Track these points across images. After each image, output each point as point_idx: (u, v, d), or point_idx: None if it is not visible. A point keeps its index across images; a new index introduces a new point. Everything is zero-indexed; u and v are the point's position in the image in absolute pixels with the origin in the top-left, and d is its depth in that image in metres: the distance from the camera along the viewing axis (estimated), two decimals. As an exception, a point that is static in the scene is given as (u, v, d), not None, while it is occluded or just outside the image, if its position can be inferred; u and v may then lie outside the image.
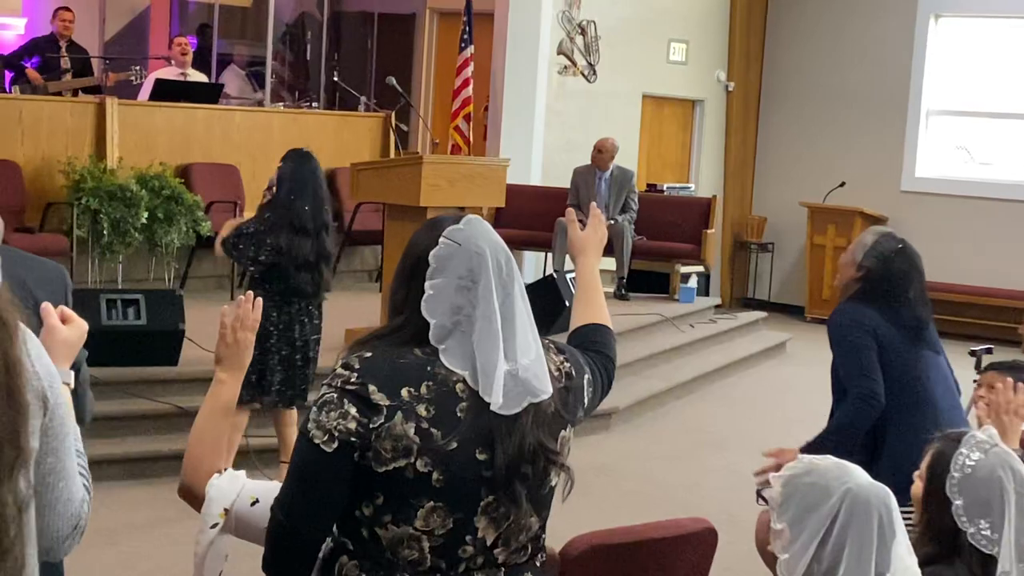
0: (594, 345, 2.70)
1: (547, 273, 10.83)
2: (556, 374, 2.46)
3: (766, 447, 4.48)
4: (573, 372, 2.52)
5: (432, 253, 2.37)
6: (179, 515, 6.21)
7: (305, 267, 6.54)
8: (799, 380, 10.44)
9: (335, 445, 2.29)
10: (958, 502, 2.58)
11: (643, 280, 11.57)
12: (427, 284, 2.36)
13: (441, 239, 2.38)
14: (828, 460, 2.38)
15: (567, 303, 9.09)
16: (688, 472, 7.87)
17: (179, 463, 7.38)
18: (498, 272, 2.36)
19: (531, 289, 9.10)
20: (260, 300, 2.87)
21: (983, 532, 2.56)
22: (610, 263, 11.36)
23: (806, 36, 14.33)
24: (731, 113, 14.44)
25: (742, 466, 7.90)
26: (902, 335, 4.41)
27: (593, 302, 2.82)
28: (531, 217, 11.48)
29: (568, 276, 9.45)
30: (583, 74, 12.74)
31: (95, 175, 9.33)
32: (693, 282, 11.77)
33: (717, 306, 12.20)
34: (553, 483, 2.46)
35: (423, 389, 2.31)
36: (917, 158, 13.83)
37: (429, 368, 2.33)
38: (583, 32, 12.66)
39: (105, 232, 9.18)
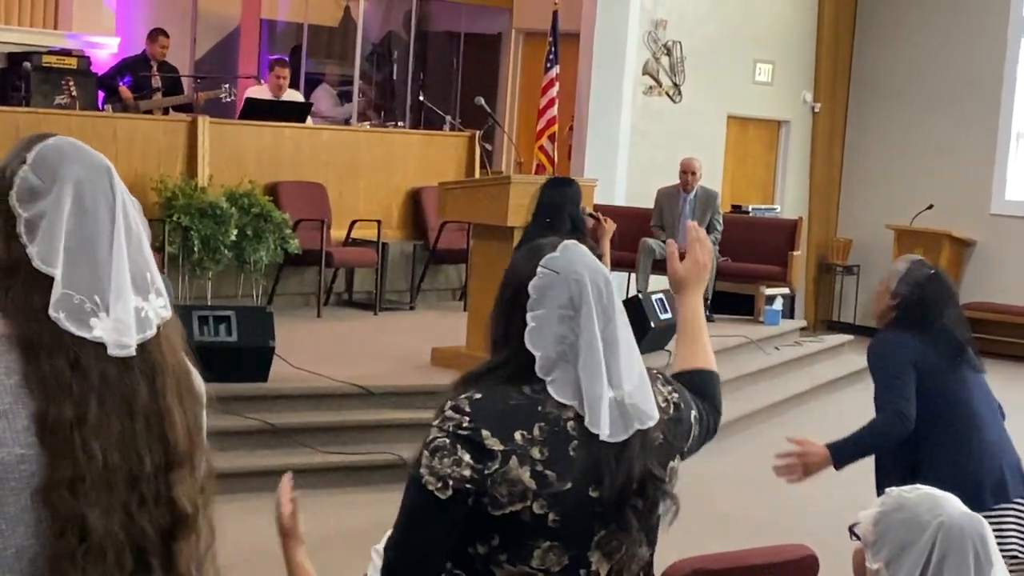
0: (702, 394, 2.64)
1: (631, 294, 10.80)
2: (663, 404, 2.43)
3: (790, 435, 4.58)
4: (681, 404, 2.50)
5: (532, 284, 2.33)
6: (269, 530, 6.26)
7: None
8: (886, 404, 10.30)
9: (449, 492, 2.26)
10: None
11: (728, 302, 11.51)
12: (529, 316, 2.32)
13: (539, 268, 2.34)
14: (917, 492, 2.34)
15: (652, 324, 9.07)
16: (776, 497, 7.80)
17: (268, 479, 7.45)
18: (599, 298, 2.32)
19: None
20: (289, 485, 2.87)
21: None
22: (695, 284, 11.29)
23: (893, 57, 14.20)
24: (817, 134, 14.33)
25: (830, 492, 7.82)
26: (942, 359, 4.47)
27: (698, 342, 2.74)
28: (615, 238, 11.44)
29: (653, 297, 9.43)
30: (668, 94, 12.71)
31: (186, 192, 9.47)
32: (778, 304, 11.69)
33: (802, 329, 12.10)
34: (662, 512, 2.43)
35: (536, 431, 2.28)
36: (1007, 181, 13.64)
37: (540, 408, 2.30)
38: (669, 52, 12.64)
39: (196, 249, 9.31)
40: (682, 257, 2.84)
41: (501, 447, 2.27)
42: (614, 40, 12.18)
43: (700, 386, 2.65)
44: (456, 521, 2.29)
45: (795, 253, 11.71)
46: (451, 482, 2.26)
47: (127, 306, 1.86)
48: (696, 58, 12.81)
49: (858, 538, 2.35)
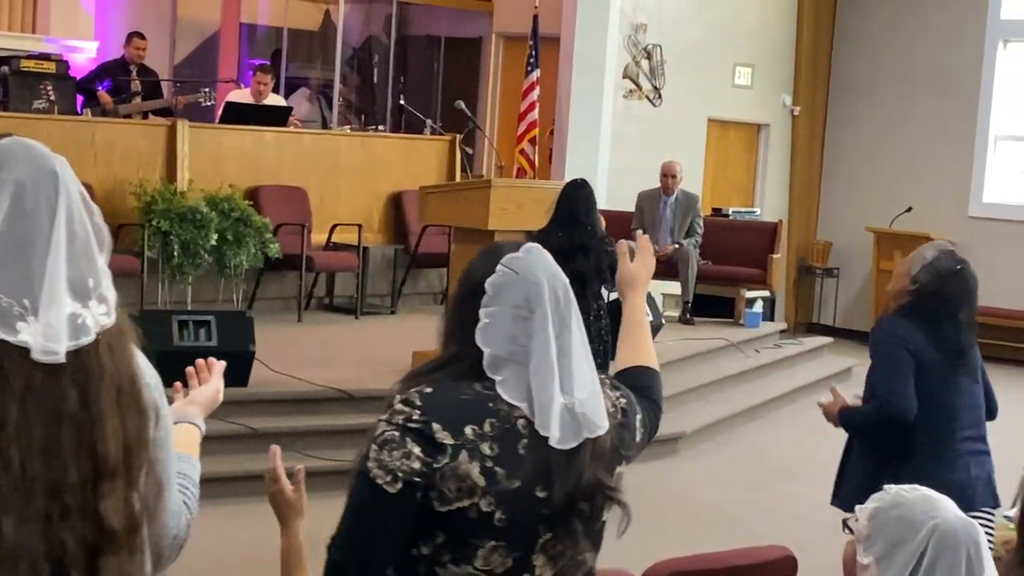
0: (645, 391, 2.64)
1: (613, 297, 10.82)
2: (612, 410, 2.42)
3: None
4: (628, 410, 2.49)
5: (489, 280, 2.33)
6: (252, 536, 6.26)
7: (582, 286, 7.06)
8: (866, 406, 10.34)
9: (399, 486, 2.23)
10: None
11: (708, 304, 11.54)
12: (482, 312, 2.31)
13: (499, 267, 2.33)
14: (915, 492, 2.35)
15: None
16: (756, 498, 7.83)
17: (250, 484, 7.44)
18: (555, 303, 2.31)
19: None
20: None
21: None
22: (675, 287, 11.34)
23: (872, 60, 14.25)
24: (797, 137, 14.38)
25: (810, 493, 7.85)
26: (941, 358, 4.39)
27: (640, 340, 2.75)
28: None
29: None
30: (648, 98, 12.74)
31: (166, 197, 9.45)
32: (758, 307, 11.72)
33: (782, 331, 12.14)
34: (605, 518, 2.41)
35: (487, 426, 2.26)
36: (985, 183, 13.70)
37: (492, 404, 2.29)
38: (649, 56, 12.67)
39: (175, 254, 9.28)
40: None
41: (452, 441, 2.24)
42: (594, 44, 12.20)
43: (642, 383, 2.65)
44: (405, 517, 2.26)
45: (775, 256, 11.75)
46: (401, 475, 2.23)
47: (60, 311, 1.81)
48: (676, 61, 12.84)
49: (851, 532, 2.36)
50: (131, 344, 1.93)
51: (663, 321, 9.85)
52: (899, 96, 14.06)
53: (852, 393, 4.63)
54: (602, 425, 2.32)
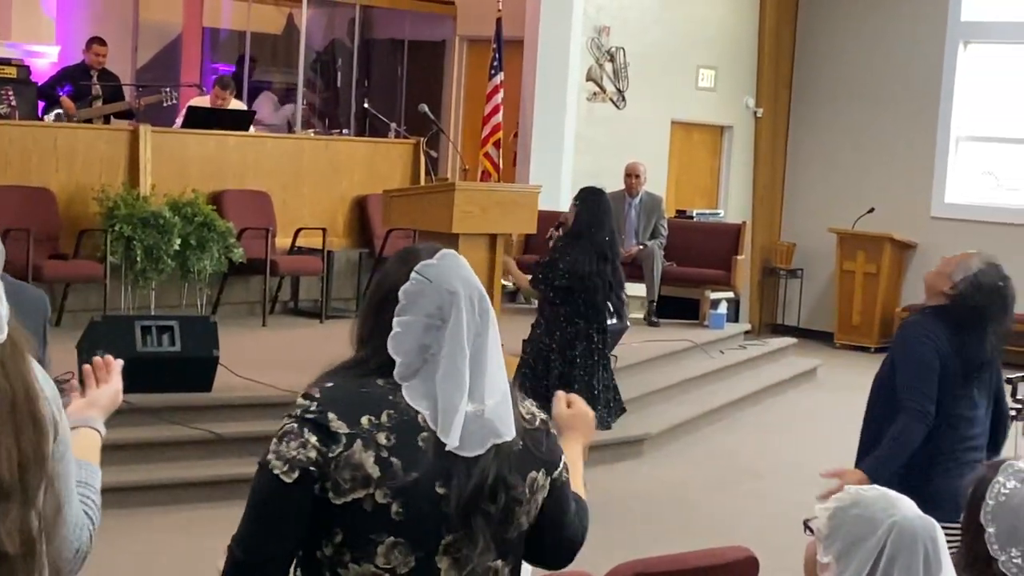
0: (579, 507, 2.53)
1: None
2: (528, 416, 2.39)
3: (823, 469, 4.44)
4: (550, 426, 2.45)
5: (402, 289, 2.30)
6: (215, 542, 6.24)
7: (604, 290, 7.26)
8: (830, 406, 10.41)
9: (295, 475, 2.22)
10: (991, 529, 2.57)
11: (673, 306, 11.58)
12: (395, 321, 2.29)
13: (412, 274, 2.31)
14: (874, 491, 2.36)
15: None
16: (721, 499, 7.86)
17: (214, 489, 7.41)
18: (471, 311, 2.28)
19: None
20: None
21: (1014, 560, 2.55)
22: (640, 289, 11.37)
23: (834, 63, 14.33)
24: (760, 139, 14.45)
25: (775, 493, 7.89)
26: (962, 368, 4.37)
27: (573, 478, 2.57)
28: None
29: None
30: (612, 100, 12.77)
31: (128, 202, 9.40)
32: (723, 308, 11.77)
33: (747, 332, 12.19)
34: (524, 526, 2.36)
35: (384, 417, 2.24)
36: (947, 184, 13.80)
37: (391, 397, 2.27)
38: (612, 59, 12.70)
39: (138, 259, 9.24)
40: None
41: (347, 430, 2.23)
42: (558, 47, 12.22)
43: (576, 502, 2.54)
44: (302, 508, 2.24)
45: (739, 257, 11.81)
46: (297, 464, 2.22)
47: None
48: (640, 64, 12.87)
49: (812, 532, 2.37)
50: (27, 357, 1.88)
51: (628, 323, 9.87)
52: (861, 98, 14.14)
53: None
54: (508, 432, 2.29)
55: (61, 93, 11.24)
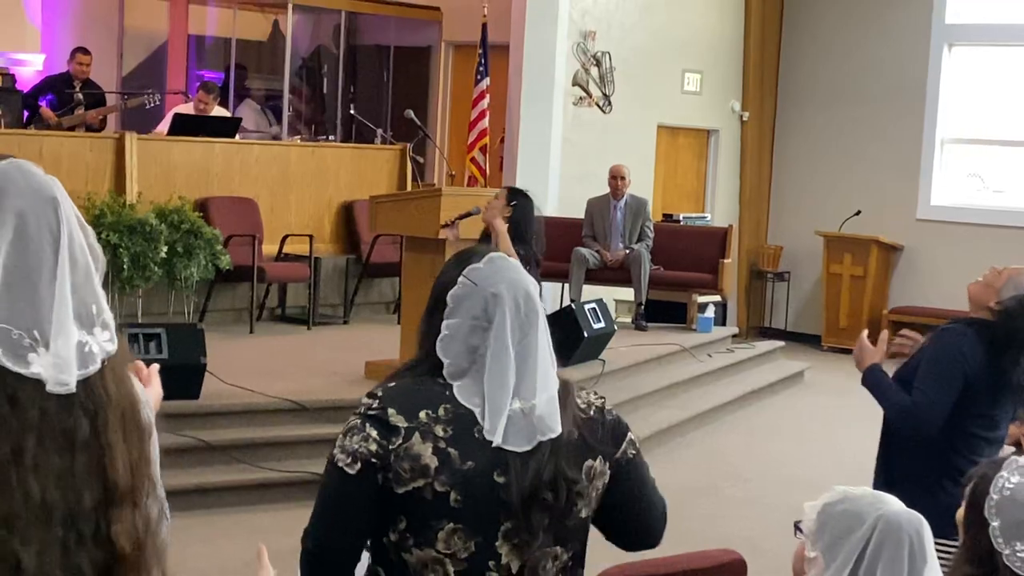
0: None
1: (564, 304, 10.84)
2: (583, 406, 2.48)
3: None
4: (609, 414, 2.53)
5: (450, 293, 2.43)
6: (204, 550, 6.23)
7: None
8: (817, 409, 10.43)
9: (358, 466, 2.35)
10: (995, 523, 2.59)
11: (660, 310, 11.59)
12: (443, 324, 2.42)
13: (460, 278, 2.43)
14: (862, 489, 2.40)
15: (586, 333, 9.12)
16: (709, 502, 7.87)
17: (203, 497, 7.39)
18: (515, 312, 2.39)
19: (549, 320, 9.11)
20: None
21: (1019, 554, 2.57)
22: (628, 293, 11.39)
23: (820, 66, 14.37)
24: (746, 143, 14.47)
25: (763, 496, 7.90)
26: (991, 389, 4.29)
27: None
28: (548, 248, 11.47)
29: (586, 307, 9.47)
30: (598, 105, 12.79)
31: (114, 210, 9.39)
32: (710, 312, 11.78)
33: (734, 336, 12.20)
34: (583, 514, 2.46)
35: (441, 411, 2.37)
36: (932, 186, 13.84)
37: (447, 393, 2.39)
38: (598, 63, 12.72)
39: (125, 266, 9.23)
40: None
41: (405, 424, 2.36)
42: (543, 52, 12.23)
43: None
44: (367, 499, 2.37)
45: (726, 260, 11.82)
46: (359, 456, 2.36)
47: (68, 341, 1.83)
48: (625, 68, 12.89)
49: (802, 532, 2.40)
50: (129, 364, 1.96)
51: (615, 327, 9.88)
52: (847, 100, 14.17)
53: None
54: (555, 429, 2.37)
55: (42, 103, 11.22)
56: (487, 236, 7.25)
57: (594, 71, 12.72)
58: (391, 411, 2.37)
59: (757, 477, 8.40)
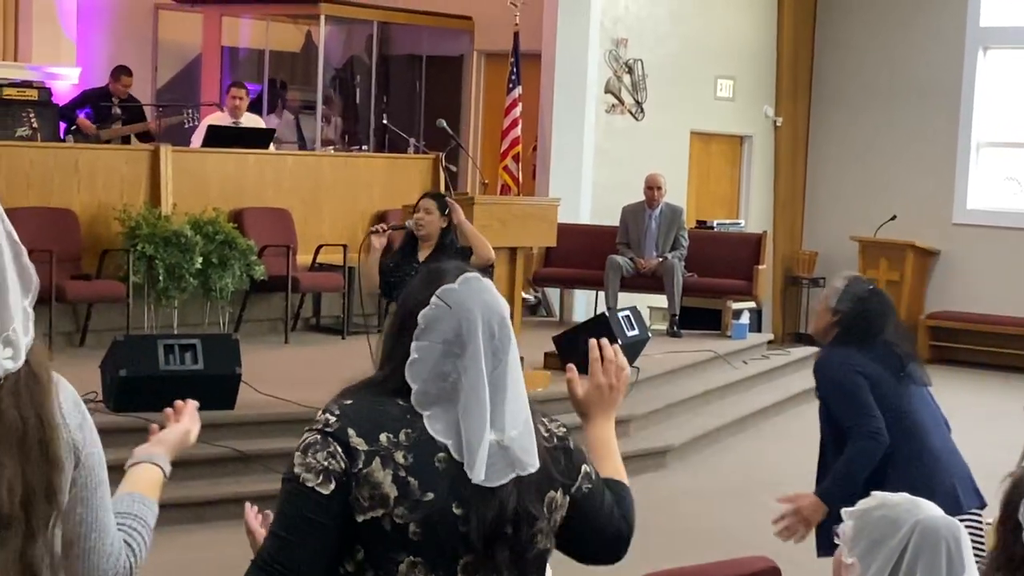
0: (621, 509, 2.48)
1: (599, 312, 10.84)
2: (546, 435, 2.36)
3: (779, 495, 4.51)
4: (570, 442, 2.40)
5: (421, 313, 2.27)
6: (238, 559, 6.25)
7: None
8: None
9: (332, 485, 2.20)
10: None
11: (695, 317, 11.55)
12: (413, 345, 2.26)
13: (433, 299, 2.28)
14: (900, 495, 2.39)
15: (620, 341, 9.09)
16: (745, 510, 7.83)
17: (238, 507, 7.41)
18: (489, 338, 2.25)
19: (584, 328, 9.10)
20: None
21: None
22: (661, 300, 11.36)
23: (853, 70, 14.31)
24: (779, 148, 14.42)
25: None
26: (887, 373, 4.48)
27: (607, 461, 2.53)
28: (581, 256, 11.50)
29: (620, 315, 9.46)
30: (631, 112, 12.78)
31: (150, 222, 9.44)
32: (745, 318, 11.74)
33: (769, 342, 12.15)
34: (544, 546, 2.33)
35: (402, 436, 2.23)
36: (968, 190, 13.75)
37: (409, 416, 2.25)
38: (630, 71, 12.71)
39: (160, 278, 9.27)
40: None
41: (366, 447, 2.22)
42: (575, 59, 12.24)
43: (619, 497, 2.50)
44: (335, 521, 2.21)
45: (761, 267, 11.78)
46: (332, 475, 2.21)
47: None
48: (657, 75, 12.88)
49: (840, 538, 2.39)
50: (46, 386, 1.88)
51: (649, 335, 9.86)
52: (881, 105, 14.11)
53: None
54: (532, 463, 2.26)
55: (80, 115, 11.31)
56: (446, 232, 7.16)
57: (626, 78, 12.71)
58: (351, 431, 2.22)
59: (792, 484, 8.31)
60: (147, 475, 2.35)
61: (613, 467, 2.53)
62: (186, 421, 2.52)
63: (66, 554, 1.94)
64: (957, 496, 4.35)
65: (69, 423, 1.92)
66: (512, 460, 2.24)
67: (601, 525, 2.43)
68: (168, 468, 2.41)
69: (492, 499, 2.23)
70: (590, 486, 2.41)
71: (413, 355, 2.26)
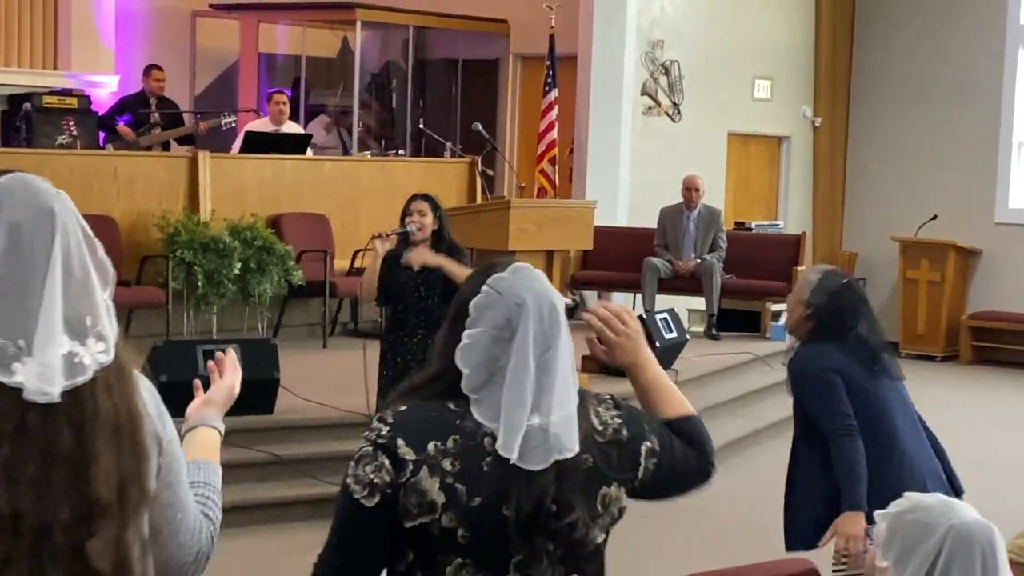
0: (689, 442, 2.55)
1: (637, 314, 10.81)
2: (600, 427, 2.38)
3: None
4: (625, 431, 2.41)
5: (473, 302, 2.33)
6: (278, 564, 6.26)
7: None
8: (895, 417, 10.28)
9: (376, 499, 2.28)
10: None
11: (734, 319, 11.51)
12: (464, 333, 2.31)
13: (483, 287, 2.33)
14: (934, 497, 2.36)
15: (658, 344, 9.07)
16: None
17: (277, 511, 7.44)
18: (539, 323, 2.29)
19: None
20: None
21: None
22: (699, 302, 11.32)
23: (893, 69, 14.21)
24: (818, 148, 14.35)
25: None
26: (861, 367, 4.46)
27: (663, 398, 2.60)
28: (619, 258, 11.47)
29: (658, 317, 9.42)
30: (667, 114, 12.74)
31: (189, 228, 9.49)
32: (784, 319, 11.67)
33: (809, 343, 12.06)
34: (598, 540, 2.36)
35: (450, 443, 2.28)
36: (1010, 189, 13.64)
37: (459, 422, 2.30)
38: (667, 72, 12.67)
39: (200, 284, 9.32)
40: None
41: (414, 457, 2.27)
42: (612, 61, 12.22)
43: (686, 434, 2.55)
44: (383, 531, 2.29)
45: (800, 268, 11.71)
46: (377, 489, 2.28)
47: (55, 351, 1.83)
48: (694, 76, 12.83)
49: (873, 541, 2.36)
50: (132, 379, 1.94)
51: (687, 337, 9.82)
52: (921, 104, 14.01)
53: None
54: (570, 448, 2.28)
55: (119, 122, 11.38)
56: (438, 231, 7.11)
57: (663, 80, 12.67)
58: (400, 442, 2.28)
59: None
60: (206, 439, 2.40)
61: (674, 406, 2.58)
62: (229, 375, 2.54)
63: (154, 538, 1.99)
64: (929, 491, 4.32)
65: (152, 412, 1.98)
66: (552, 444, 2.27)
67: (681, 474, 2.51)
68: (223, 427, 2.45)
69: (532, 489, 2.26)
70: (655, 460, 2.44)
71: (464, 341, 2.31)
